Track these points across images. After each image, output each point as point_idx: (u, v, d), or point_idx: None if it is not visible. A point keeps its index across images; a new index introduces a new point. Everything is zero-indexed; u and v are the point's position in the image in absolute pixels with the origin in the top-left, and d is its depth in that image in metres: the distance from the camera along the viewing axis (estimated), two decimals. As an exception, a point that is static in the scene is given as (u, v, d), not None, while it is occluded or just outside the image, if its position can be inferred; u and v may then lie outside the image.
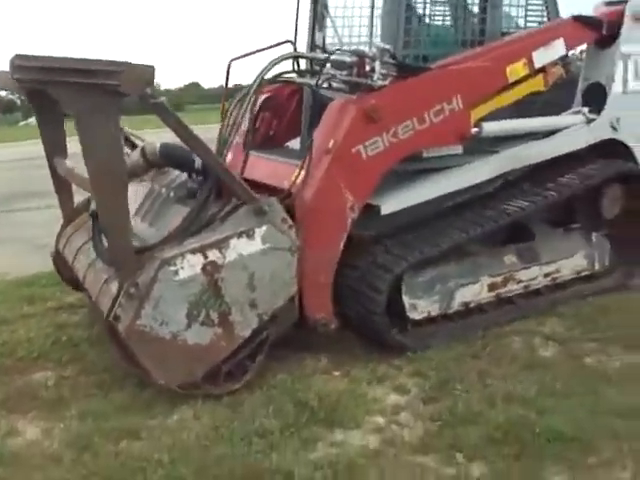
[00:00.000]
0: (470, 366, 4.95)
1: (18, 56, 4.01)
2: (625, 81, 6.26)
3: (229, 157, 5.69)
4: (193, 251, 4.41)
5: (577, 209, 6.32)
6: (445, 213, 5.65)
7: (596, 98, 6.25)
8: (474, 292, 5.68)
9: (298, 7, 6.59)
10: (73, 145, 4.46)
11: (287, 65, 5.74)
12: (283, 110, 6.69)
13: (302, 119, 6.50)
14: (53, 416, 4.50)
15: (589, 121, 6.16)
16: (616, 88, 6.23)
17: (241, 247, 4.55)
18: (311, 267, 4.89)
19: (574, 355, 5.12)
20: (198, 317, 4.44)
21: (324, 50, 6.37)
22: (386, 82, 5.07)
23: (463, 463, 3.82)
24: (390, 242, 5.29)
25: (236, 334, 4.59)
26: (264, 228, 4.62)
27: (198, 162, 4.83)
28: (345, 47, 6.11)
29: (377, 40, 6.08)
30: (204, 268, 4.42)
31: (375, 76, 5.00)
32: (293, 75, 6.06)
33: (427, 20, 6.49)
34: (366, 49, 5.49)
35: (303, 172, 4.95)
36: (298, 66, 6.04)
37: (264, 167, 5.69)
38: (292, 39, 6.40)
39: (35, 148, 6.27)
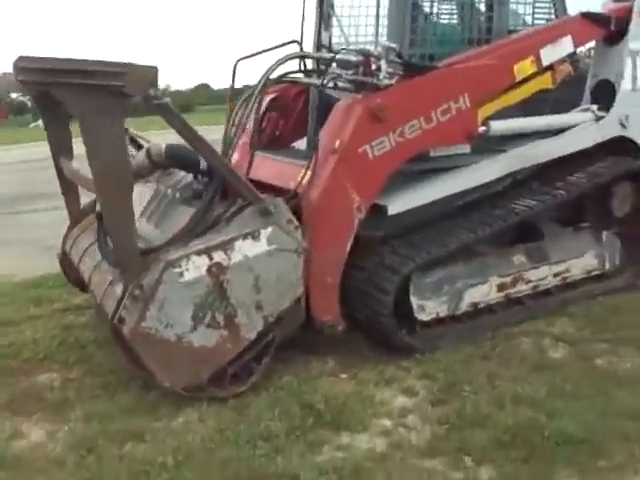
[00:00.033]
0: (479, 368, 4.91)
1: (22, 58, 4.00)
2: (634, 78, 6.20)
3: (235, 157, 5.67)
4: (198, 252, 4.38)
5: (587, 208, 6.26)
6: (453, 213, 5.60)
7: (605, 95, 6.20)
8: (483, 293, 5.64)
9: (304, 6, 6.56)
10: (79, 146, 4.44)
11: (293, 65, 5.71)
12: (289, 110, 6.65)
13: (308, 119, 6.47)
14: (58, 418, 4.48)
15: (598, 119, 6.10)
16: (625, 85, 6.18)
17: (247, 248, 4.51)
18: (318, 268, 4.85)
19: (584, 356, 5.07)
20: (203, 319, 4.40)
21: (330, 49, 6.33)
22: (392, 81, 5.03)
23: (471, 467, 3.78)
24: (397, 243, 5.25)
25: (242, 336, 4.56)
26: (270, 229, 4.59)
27: (204, 163, 4.80)
28: (351, 46, 6.08)
29: (383, 39, 6.04)
30: (209, 270, 4.39)
31: (381, 75, 4.96)
32: (299, 75, 6.02)
33: (433, 18, 6.44)
34: (372, 48, 5.45)
35: (309, 172, 4.92)
36: (305, 66, 6.00)
37: (270, 168, 5.66)
38: (299, 39, 6.37)
39: (42, 150, 6.27)
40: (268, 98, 6.36)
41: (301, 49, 6.22)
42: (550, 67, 5.83)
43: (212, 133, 6.12)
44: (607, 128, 6.12)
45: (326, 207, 4.90)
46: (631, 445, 3.86)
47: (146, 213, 5.52)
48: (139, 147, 5.72)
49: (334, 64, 5.27)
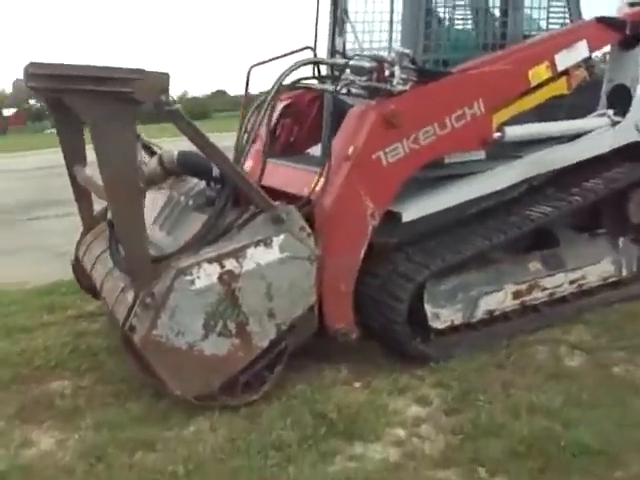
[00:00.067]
0: (494, 376, 4.85)
1: (32, 64, 3.97)
2: None
3: (249, 164, 5.66)
4: (210, 260, 4.35)
5: (603, 214, 6.21)
6: (468, 220, 5.57)
7: (621, 100, 6.14)
8: (498, 300, 5.58)
9: (318, 13, 6.54)
10: (92, 153, 4.43)
11: (307, 71, 5.68)
12: (304, 117, 6.63)
13: (323, 125, 6.44)
14: (68, 426, 4.47)
15: (614, 124, 6.05)
16: (641, 90, 6.12)
17: (259, 256, 4.48)
18: (331, 275, 4.82)
19: (601, 364, 5.00)
20: (215, 327, 4.37)
21: (344, 55, 6.31)
22: (406, 87, 4.99)
23: (485, 478, 3.73)
24: (411, 250, 5.22)
25: (254, 344, 4.52)
26: (282, 237, 4.55)
27: (216, 170, 4.77)
28: (365, 52, 6.04)
29: (397, 45, 6.00)
30: (221, 277, 4.36)
31: (395, 81, 4.92)
32: (313, 81, 5.99)
33: (447, 24, 6.40)
34: (385, 54, 5.41)
35: (322, 179, 4.89)
36: (319, 72, 5.97)
37: (284, 174, 5.63)
38: (313, 45, 6.34)
39: (55, 157, 6.28)
40: (282, 104, 6.35)
41: (315, 55, 6.20)
42: (565, 72, 5.77)
43: (224, 140, 6.11)
44: (623, 133, 6.06)
45: (339, 214, 4.87)
46: (648, 456, 3.80)
47: (159, 220, 5.51)
48: (152, 154, 5.70)
49: (348, 70, 5.24)
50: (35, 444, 4.29)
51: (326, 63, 5.93)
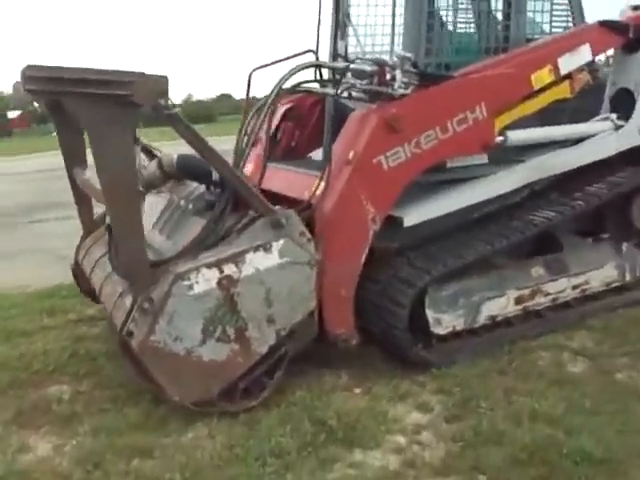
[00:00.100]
0: (496, 382, 4.80)
1: (30, 67, 3.94)
2: None
3: (250, 168, 5.63)
4: (208, 265, 4.31)
5: (606, 218, 6.17)
6: (470, 225, 5.53)
7: (624, 104, 6.11)
8: (500, 306, 5.53)
9: (320, 16, 6.51)
10: (92, 155, 4.41)
11: (309, 75, 5.65)
12: (305, 120, 6.59)
13: (324, 129, 6.40)
14: (65, 432, 4.44)
15: (617, 128, 6.02)
16: (645, 94, 6.07)
17: (258, 261, 4.44)
18: (331, 281, 4.78)
19: (604, 371, 4.96)
20: (214, 333, 4.34)
21: (346, 59, 6.28)
22: (408, 91, 4.95)
23: (486, 486, 3.68)
24: (413, 255, 5.19)
25: (253, 350, 4.48)
26: (281, 242, 4.51)
27: (216, 174, 4.74)
28: (368, 56, 6.01)
29: (399, 48, 5.97)
30: (219, 282, 4.32)
31: (396, 85, 4.88)
32: (314, 85, 5.96)
33: (450, 27, 6.37)
34: (387, 58, 5.38)
35: (323, 183, 4.85)
36: (321, 76, 5.94)
37: (284, 178, 5.59)
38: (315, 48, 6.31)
39: (57, 159, 6.27)
40: (283, 108, 6.32)
41: (317, 59, 6.16)
42: (568, 76, 5.74)
43: (223, 144, 6.07)
44: (627, 137, 6.02)
45: (340, 218, 4.83)
46: (651, 464, 3.75)
47: (159, 224, 5.46)
48: (152, 157, 5.67)
49: (349, 74, 5.21)
50: (32, 449, 4.26)
51: (327, 66, 5.89)
